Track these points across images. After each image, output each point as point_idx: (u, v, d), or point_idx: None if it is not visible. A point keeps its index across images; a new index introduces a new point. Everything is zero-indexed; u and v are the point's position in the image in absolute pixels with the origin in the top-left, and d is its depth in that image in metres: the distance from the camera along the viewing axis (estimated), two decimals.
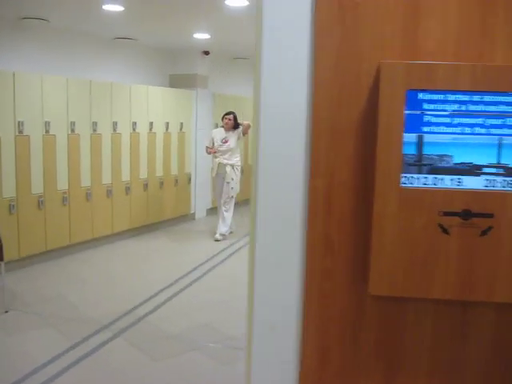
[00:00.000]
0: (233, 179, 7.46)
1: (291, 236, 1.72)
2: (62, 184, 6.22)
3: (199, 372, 3.68)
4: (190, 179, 8.75)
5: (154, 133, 7.78)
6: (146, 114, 7.59)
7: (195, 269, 6.04)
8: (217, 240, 7.45)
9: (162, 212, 8.12)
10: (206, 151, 7.67)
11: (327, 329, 1.72)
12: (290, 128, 1.72)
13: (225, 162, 7.46)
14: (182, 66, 8.78)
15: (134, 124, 7.34)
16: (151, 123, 7.69)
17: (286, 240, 1.72)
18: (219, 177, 7.54)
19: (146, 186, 7.67)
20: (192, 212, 8.98)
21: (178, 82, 8.72)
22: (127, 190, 7.29)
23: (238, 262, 6.44)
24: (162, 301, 5.01)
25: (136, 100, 7.37)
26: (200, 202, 9.13)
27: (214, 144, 7.53)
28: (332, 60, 1.60)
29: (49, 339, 4.09)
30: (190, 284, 5.52)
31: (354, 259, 1.69)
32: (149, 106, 7.63)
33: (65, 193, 6.25)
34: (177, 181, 8.39)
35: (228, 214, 7.59)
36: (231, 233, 7.78)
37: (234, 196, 7.58)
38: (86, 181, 6.58)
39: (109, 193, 6.95)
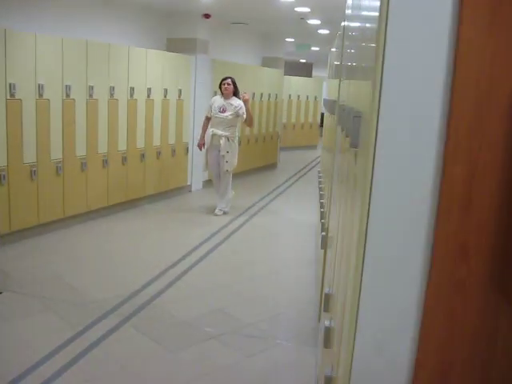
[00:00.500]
0: (228, 152, 6.89)
1: (413, 237, 1.33)
2: (56, 153, 5.76)
3: (222, 365, 3.34)
4: (187, 149, 8.31)
5: (152, 100, 7.30)
6: (144, 79, 7.10)
7: (197, 248, 5.67)
8: (216, 215, 7.07)
9: (159, 183, 7.70)
10: (198, 145, 7.22)
11: (451, 351, 1.35)
12: (419, 101, 1.30)
13: (219, 133, 6.87)
14: (180, 29, 8.26)
15: (132, 90, 6.86)
16: (149, 89, 7.20)
17: (407, 242, 1.34)
18: (214, 149, 6.96)
19: (142, 156, 7.23)
20: (188, 184, 8.57)
21: (176, 46, 8.21)
22: (124, 160, 6.85)
23: (240, 241, 6.10)
24: (167, 282, 4.65)
25: (134, 64, 6.87)
26: (197, 173, 8.72)
27: (211, 112, 6.99)
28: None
29: (50, 326, 3.71)
30: (195, 264, 5.15)
31: (495, 268, 1.31)
32: (147, 70, 7.14)
33: (59, 162, 5.79)
34: (174, 151, 7.95)
35: (226, 189, 7.10)
36: (224, 213, 7.22)
37: (230, 170, 7.02)
38: (81, 150, 6.12)
39: (105, 163, 6.50)
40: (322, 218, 4.61)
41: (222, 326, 3.86)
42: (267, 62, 11.62)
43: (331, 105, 4.32)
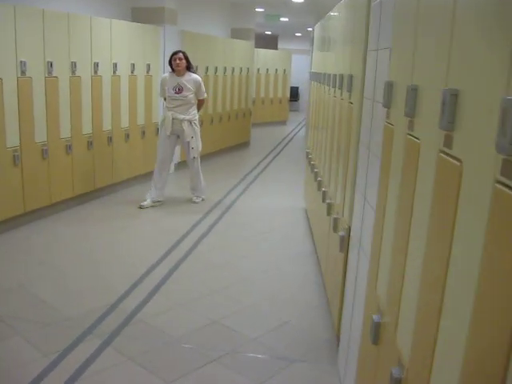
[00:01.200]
0: (192, 137, 6.14)
1: None
2: (12, 140, 5.02)
3: None
4: (158, 130, 7.60)
5: (119, 76, 6.57)
6: (108, 53, 6.34)
7: (177, 245, 5.08)
8: (195, 202, 6.46)
9: (129, 169, 7.02)
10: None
11: None
12: None
13: (181, 117, 6.00)
14: None
15: (96, 65, 6.11)
16: (115, 64, 6.46)
17: None
18: (173, 135, 6.19)
19: (109, 139, 6.52)
20: None
21: (141, 16, 7.45)
22: (89, 144, 6.13)
23: (224, 236, 5.53)
24: (150, 289, 4.04)
25: (97, 36, 6.11)
26: None
27: (166, 93, 6.11)
28: None
29: (16, 356, 3.07)
30: (176, 267, 4.55)
31: None
32: (112, 43, 6.38)
33: (15, 150, 5.05)
34: (144, 132, 7.26)
35: (198, 178, 6.48)
36: (202, 200, 6.59)
37: (197, 156, 6.35)
38: (41, 135, 5.37)
39: (68, 148, 5.77)
40: (324, 200, 4.08)
41: (222, 343, 3.30)
42: (237, 34, 10.91)
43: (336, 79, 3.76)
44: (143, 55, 7.06)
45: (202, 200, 6.53)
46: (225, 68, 9.58)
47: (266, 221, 5.98)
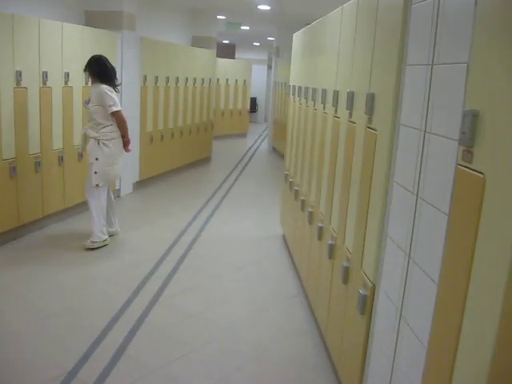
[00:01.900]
0: (97, 159, 4.96)
1: None
2: None
3: None
4: None
5: (71, 87, 5.79)
6: (60, 61, 5.57)
7: (138, 291, 4.36)
8: (87, 248, 5.05)
9: (81, 191, 6.21)
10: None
11: None
12: None
13: (89, 133, 5.02)
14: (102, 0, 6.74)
15: (45, 75, 5.32)
16: (67, 74, 5.68)
17: None
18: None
19: (61, 158, 5.72)
20: (117, 188, 7.12)
21: (96, 20, 6.69)
22: (37, 165, 5.32)
23: (189, 278, 4.84)
24: (111, 354, 3.32)
25: (47, 42, 5.33)
26: (126, 175, 7.28)
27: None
28: None
29: None
30: (140, 322, 3.84)
31: None
32: (64, 50, 5.61)
33: None
34: None
35: (91, 211, 5.09)
36: (106, 239, 5.21)
37: (101, 185, 5.05)
38: None
39: (12, 171, 4.96)
40: (321, 237, 3.46)
41: None
42: (198, 42, 10.24)
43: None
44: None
45: (92, 246, 5.06)
46: (186, 78, 8.89)
47: (240, 253, 5.31)
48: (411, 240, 2.00)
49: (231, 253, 5.27)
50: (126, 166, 7.16)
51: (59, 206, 5.80)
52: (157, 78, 7.80)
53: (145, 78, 7.44)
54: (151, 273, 4.58)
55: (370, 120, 2.57)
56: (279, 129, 11.78)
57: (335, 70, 3.35)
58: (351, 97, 2.90)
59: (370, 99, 2.52)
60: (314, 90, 4.00)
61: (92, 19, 6.69)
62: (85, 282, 4.33)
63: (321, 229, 3.55)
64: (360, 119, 2.75)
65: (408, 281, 2.01)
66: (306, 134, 4.41)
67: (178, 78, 8.54)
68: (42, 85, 5.29)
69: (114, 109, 4.96)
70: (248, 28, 13.29)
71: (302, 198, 4.33)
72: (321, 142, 3.71)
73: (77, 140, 5.84)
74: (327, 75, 3.60)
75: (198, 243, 5.47)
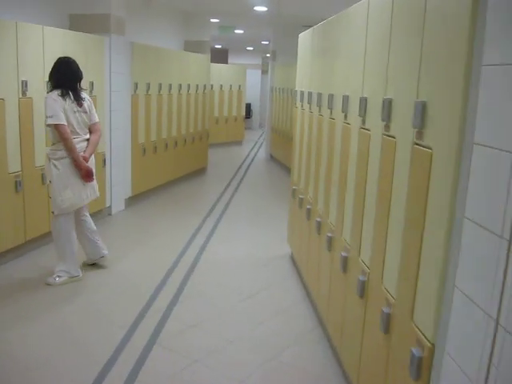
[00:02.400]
0: (50, 182, 4.23)
1: None
2: None
3: None
4: (104, 161, 6.31)
5: None
6: (41, 68, 5.03)
7: (130, 335, 3.82)
8: (48, 283, 4.33)
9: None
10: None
11: None
12: None
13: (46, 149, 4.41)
14: (88, 2, 6.19)
15: (24, 84, 4.79)
16: (48, 83, 5.13)
17: None
18: None
19: (44, 176, 5.16)
20: (108, 205, 6.57)
21: (81, 24, 6.14)
22: (18, 184, 4.77)
23: (191, 311, 4.30)
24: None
25: (25, 47, 4.79)
26: (117, 191, 6.74)
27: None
28: None
29: None
30: (134, 374, 3.30)
31: None
32: (45, 56, 5.07)
33: None
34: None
35: (56, 244, 4.38)
36: (73, 277, 4.44)
37: (56, 213, 4.26)
38: None
39: None
40: (346, 269, 2.94)
41: None
42: (191, 47, 9.72)
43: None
44: (84, 71, 5.74)
45: (58, 279, 4.34)
46: (179, 85, 8.37)
47: (245, 278, 4.77)
48: (500, 301, 1.48)
49: (236, 278, 4.73)
50: (117, 181, 6.64)
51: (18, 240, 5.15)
52: (148, 85, 7.28)
53: (135, 85, 6.92)
54: (148, 305, 4.04)
55: (420, 135, 2.05)
56: (277, 136, 11.27)
57: (361, 73, 2.83)
58: (388, 105, 2.38)
59: (420, 109, 2.01)
60: (331, 96, 3.49)
61: (77, 23, 6.15)
62: (59, 329, 3.76)
63: (346, 259, 3.03)
64: (402, 133, 2.24)
65: (497, 355, 1.49)
66: (320, 147, 3.89)
67: (171, 85, 8.01)
68: (21, 95, 4.75)
69: (50, 121, 4.07)
70: (242, 32, 12.80)
71: (318, 219, 3.81)
72: (342, 157, 3.19)
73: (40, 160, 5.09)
74: (350, 79, 3.08)
75: (199, 267, 4.93)
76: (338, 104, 3.33)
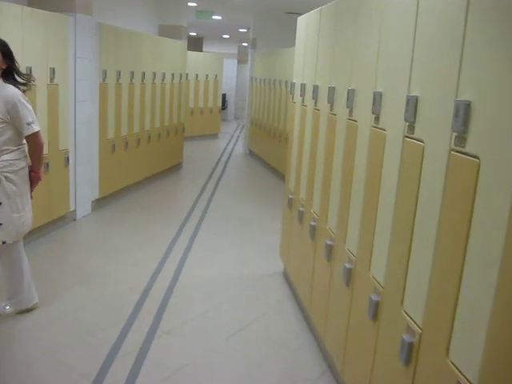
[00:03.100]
0: (1, 204, 3.22)
1: None
2: None
3: None
4: (67, 160, 5.49)
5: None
6: None
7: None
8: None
9: None
10: None
11: None
12: None
13: None
14: None
15: None
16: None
17: None
18: None
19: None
20: (72, 210, 5.76)
21: (42, 1, 5.30)
22: None
23: (171, 353, 3.57)
24: None
25: None
26: (82, 192, 5.94)
27: None
28: None
29: None
30: None
31: None
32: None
33: None
34: (47, 165, 5.10)
35: (10, 275, 3.52)
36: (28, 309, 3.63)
37: (9, 242, 3.34)
38: None
39: None
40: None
41: None
42: (165, 32, 8.89)
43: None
44: (44, 56, 4.92)
45: (11, 310, 3.56)
46: (154, 74, 7.56)
47: (233, 305, 4.05)
48: None
49: (221, 306, 4.00)
50: (83, 182, 5.84)
51: None
52: (119, 73, 6.46)
53: (104, 73, 6.09)
54: (115, 349, 3.26)
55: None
56: (257, 129, 10.55)
57: (406, 64, 2.13)
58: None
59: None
60: (352, 92, 2.78)
61: (37, 0, 5.29)
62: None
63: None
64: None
65: None
66: (330, 153, 3.19)
67: (144, 74, 7.21)
68: None
69: (36, 128, 3.28)
70: (220, 18, 11.99)
71: (329, 241, 3.10)
72: (371, 172, 2.49)
73: None
74: (386, 72, 2.37)
75: (177, 292, 4.17)
76: (362, 103, 2.63)
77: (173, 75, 8.37)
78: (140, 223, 5.95)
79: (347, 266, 2.71)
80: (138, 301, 3.94)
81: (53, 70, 5.03)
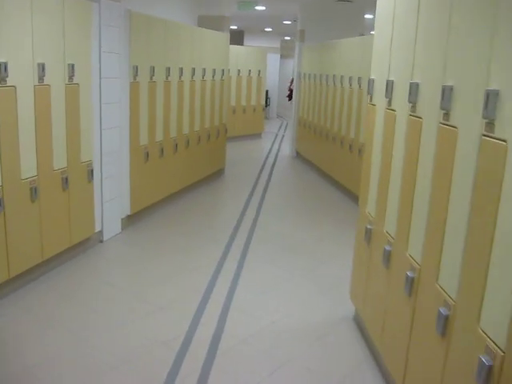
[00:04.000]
0: None
1: None
2: None
3: None
4: (91, 173, 4.63)
5: (13, 87, 3.55)
6: None
7: None
8: None
9: (40, 245, 4.01)
10: None
11: None
12: None
13: None
14: None
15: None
16: (4, 65, 3.45)
17: None
18: None
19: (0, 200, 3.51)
20: (98, 230, 4.92)
21: None
22: None
23: None
24: None
25: None
26: (110, 209, 5.08)
27: None
28: None
29: None
30: None
31: None
32: (7, 29, 3.38)
33: None
34: (66, 179, 4.25)
35: None
36: None
37: None
38: None
39: None
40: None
41: None
42: (205, 23, 7.98)
43: None
44: (61, 49, 4.06)
45: None
46: (193, 70, 6.66)
47: (296, 372, 3.10)
48: None
49: (281, 372, 3.05)
50: (111, 197, 5.00)
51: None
52: (153, 69, 5.58)
53: (135, 69, 5.22)
54: None
55: None
56: (305, 130, 9.55)
57: None
58: None
59: None
60: (495, 95, 1.77)
61: None
62: None
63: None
64: None
65: None
66: (442, 177, 2.19)
67: (182, 70, 6.31)
68: None
69: None
70: (264, 8, 11.02)
71: (445, 309, 2.11)
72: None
73: None
74: None
75: (223, 350, 3.23)
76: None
77: (214, 71, 7.45)
78: (177, 246, 5.06)
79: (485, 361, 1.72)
80: (174, 362, 3.03)
81: (72, 67, 4.16)
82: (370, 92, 3.33)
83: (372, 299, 3.19)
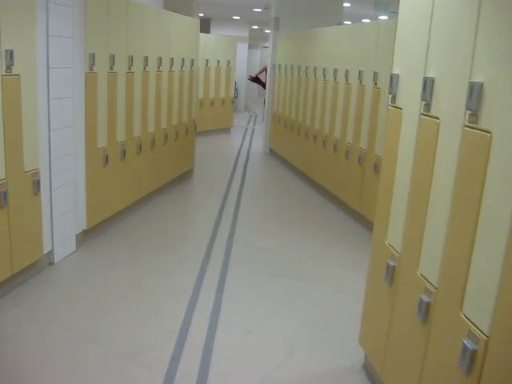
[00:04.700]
0: None
1: None
2: None
3: None
4: (37, 184, 3.79)
5: None
6: None
7: None
8: None
9: None
10: None
11: None
12: None
13: None
14: None
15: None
16: None
17: None
18: None
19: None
20: (47, 251, 4.09)
21: None
22: None
23: None
24: None
25: None
26: (62, 225, 4.26)
27: None
28: None
29: None
30: None
31: None
32: None
33: None
34: (4, 194, 3.42)
35: None
36: None
37: None
38: None
39: None
40: None
41: None
42: (172, 7, 7.15)
43: None
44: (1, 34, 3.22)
45: None
46: (159, 59, 5.85)
47: None
48: None
49: None
50: (63, 211, 4.19)
51: None
52: (113, 57, 4.76)
53: (92, 58, 4.39)
54: None
55: None
56: (280, 126, 8.85)
57: None
58: None
59: None
60: None
61: None
62: None
63: None
64: None
65: None
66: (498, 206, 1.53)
67: (147, 59, 5.50)
68: None
69: None
70: None
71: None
72: None
73: None
74: None
75: None
76: None
77: (183, 61, 6.65)
78: (143, 267, 4.28)
79: None
80: None
81: (10, 53, 3.31)
82: (393, 91, 2.62)
83: (397, 355, 2.51)
